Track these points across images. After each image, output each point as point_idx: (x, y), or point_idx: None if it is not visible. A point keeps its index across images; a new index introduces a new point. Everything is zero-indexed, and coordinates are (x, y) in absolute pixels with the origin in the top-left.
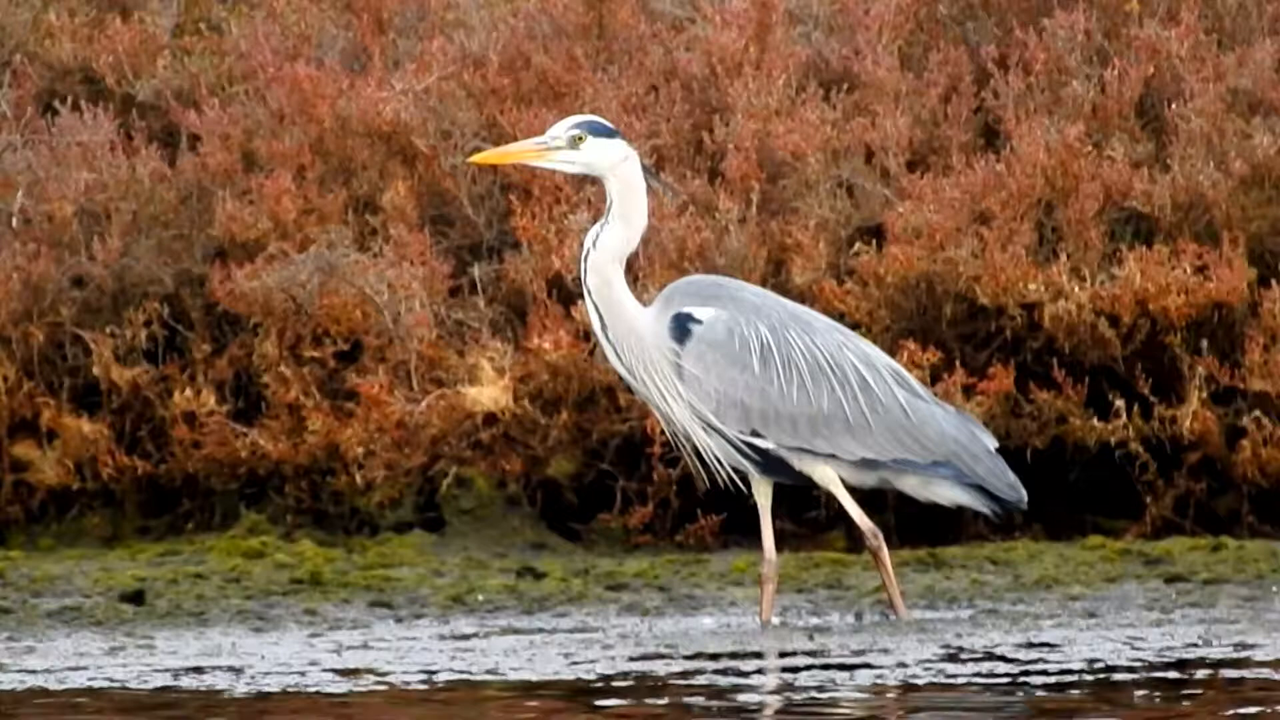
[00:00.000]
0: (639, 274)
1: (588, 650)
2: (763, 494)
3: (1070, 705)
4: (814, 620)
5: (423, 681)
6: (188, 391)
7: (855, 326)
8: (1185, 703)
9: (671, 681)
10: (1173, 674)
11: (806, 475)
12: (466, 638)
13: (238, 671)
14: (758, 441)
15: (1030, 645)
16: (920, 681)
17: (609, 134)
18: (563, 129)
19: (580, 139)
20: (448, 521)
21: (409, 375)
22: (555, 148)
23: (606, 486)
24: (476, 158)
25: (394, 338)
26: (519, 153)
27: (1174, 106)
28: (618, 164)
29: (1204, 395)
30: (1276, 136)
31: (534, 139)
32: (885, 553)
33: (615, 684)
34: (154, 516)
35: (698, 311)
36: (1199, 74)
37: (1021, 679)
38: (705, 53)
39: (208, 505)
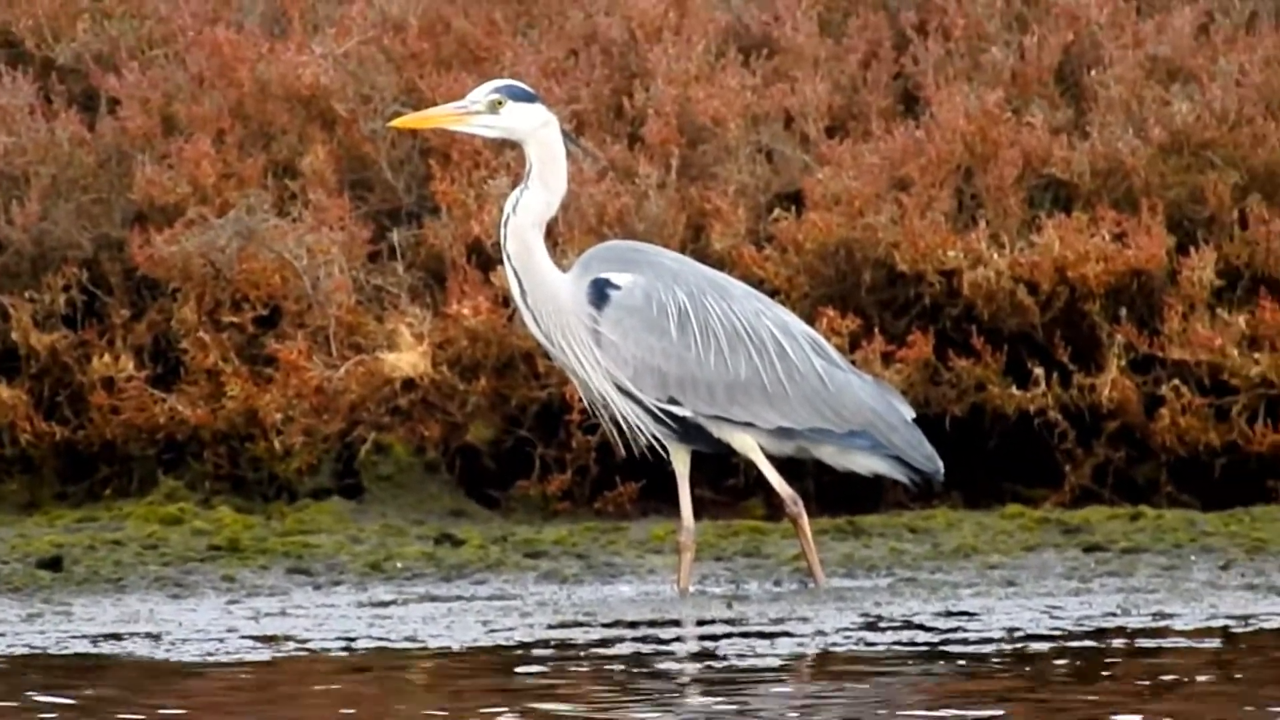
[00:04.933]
0: (558, 239)
1: (506, 618)
2: (681, 462)
3: (988, 674)
4: (733, 588)
5: (341, 649)
6: (106, 357)
7: (774, 293)
8: (1103, 671)
9: (590, 649)
10: (1091, 643)
11: (725, 443)
12: (385, 605)
13: (155, 638)
14: (675, 409)
15: (949, 614)
16: (839, 650)
17: (528, 99)
18: (482, 94)
19: (500, 103)
20: (366, 488)
21: (328, 341)
22: (475, 112)
23: (525, 453)
24: (396, 122)
25: (313, 303)
26: (439, 117)
27: (1093, 73)
28: (537, 129)
29: (1123, 363)
30: (1195, 104)
31: (454, 104)
32: (805, 520)
33: (534, 652)
34: (72, 482)
35: (616, 277)
36: (1118, 41)
37: (940, 647)
38: (625, 17)
39: (126, 471)
